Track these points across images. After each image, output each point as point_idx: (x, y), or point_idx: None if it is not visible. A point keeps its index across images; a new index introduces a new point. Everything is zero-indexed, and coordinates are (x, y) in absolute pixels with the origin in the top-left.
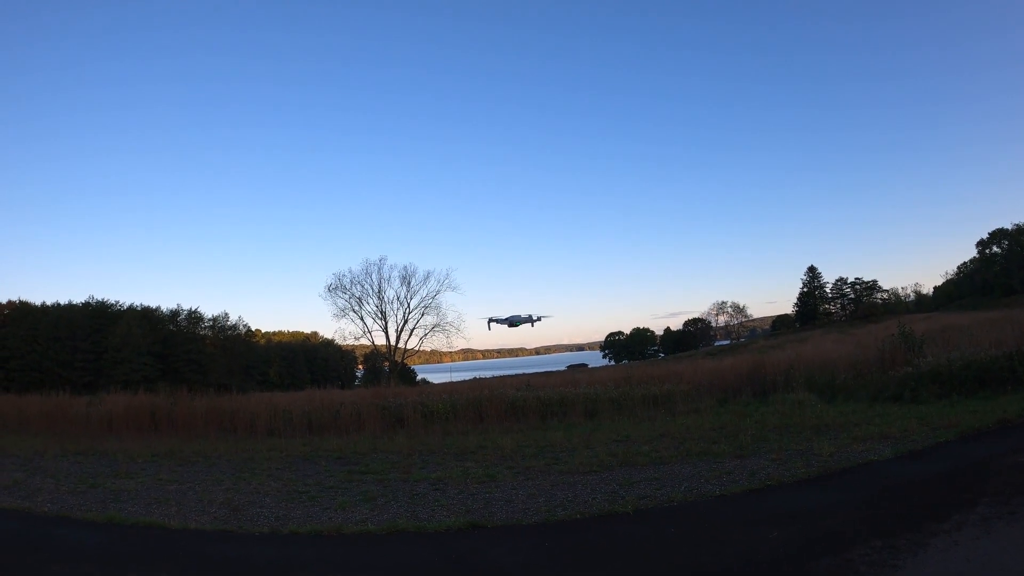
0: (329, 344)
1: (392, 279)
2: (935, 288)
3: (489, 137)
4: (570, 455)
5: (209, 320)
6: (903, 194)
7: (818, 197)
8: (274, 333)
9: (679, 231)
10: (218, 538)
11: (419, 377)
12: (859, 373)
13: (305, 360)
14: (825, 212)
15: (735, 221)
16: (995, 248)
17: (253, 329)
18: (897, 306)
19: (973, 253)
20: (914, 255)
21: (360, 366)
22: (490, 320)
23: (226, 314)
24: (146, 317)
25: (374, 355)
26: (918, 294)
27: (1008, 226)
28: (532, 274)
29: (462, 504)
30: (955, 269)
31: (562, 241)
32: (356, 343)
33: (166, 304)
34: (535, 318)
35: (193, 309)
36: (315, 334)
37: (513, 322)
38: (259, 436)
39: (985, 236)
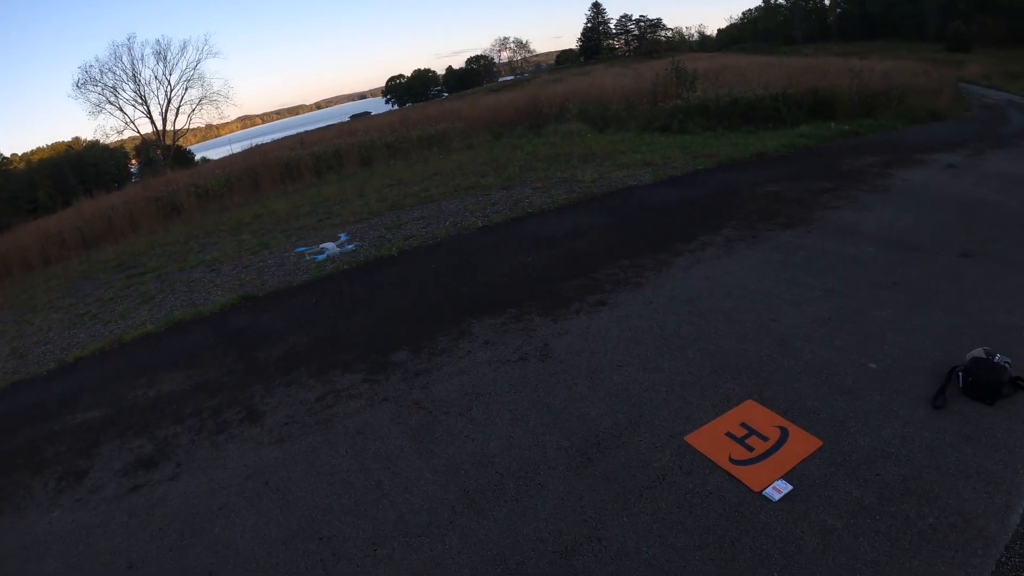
0: (95, 146)
1: (146, 58)
2: (719, 31)
3: None
4: (342, 207)
5: None
6: None
7: None
8: (33, 152)
9: None
10: (10, 392)
11: (198, 157)
12: (631, 105)
13: (73, 172)
14: None
15: None
16: (780, 0)
17: (8, 156)
18: (681, 44)
19: (759, 2)
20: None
21: (133, 161)
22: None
23: None
24: None
25: (145, 145)
26: (702, 35)
27: None
28: (305, 20)
29: (236, 279)
30: (740, 15)
31: None
32: (122, 138)
33: None
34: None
35: None
36: (77, 140)
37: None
38: (36, 270)
39: None
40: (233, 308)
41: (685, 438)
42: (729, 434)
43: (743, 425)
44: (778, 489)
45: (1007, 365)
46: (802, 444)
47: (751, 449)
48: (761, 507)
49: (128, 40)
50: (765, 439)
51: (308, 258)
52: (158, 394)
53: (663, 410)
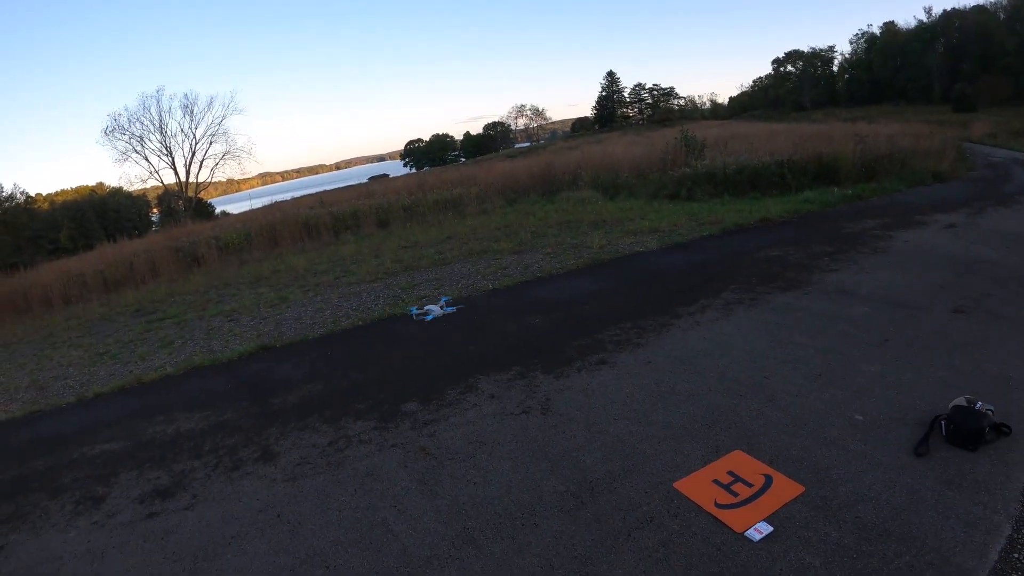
0: (118, 192)
1: (173, 110)
2: (730, 99)
3: None
4: (359, 266)
5: None
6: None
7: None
8: (57, 194)
9: (478, 33)
10: (29, 421)
11: (218, 210)
12: (642, 173)
13: (96, 216)
14: (625, 19)
15: (530, 24)
16: (789, 67)
17: (33, 195)
18: (693, 113)
19: (769, 70)
20: (712, 68)
21: (155, 210)
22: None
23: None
24: None
25: (167, 195)
26: (714, 103)
27: (804, 48)
28: (327, 83)
29: (254, 330)
30: (751, 83)
31: (356, 45)
32: (145, 186)
33: None
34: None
35: None
36: (101, 185)
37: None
38: (56, 308)
39: (781, 55)
40: (251, 356)
41: (674, 484)
42: (716, 481)
43: (730, 473)
44: (759, 530)
45: (989, 412)
46: (785, 490)
47: (736, 495)
48: (742, 547)
49: (157, 92)
50: (750, 485)
51: (417, 318)
52: (176, 431)
53: (655, 459)
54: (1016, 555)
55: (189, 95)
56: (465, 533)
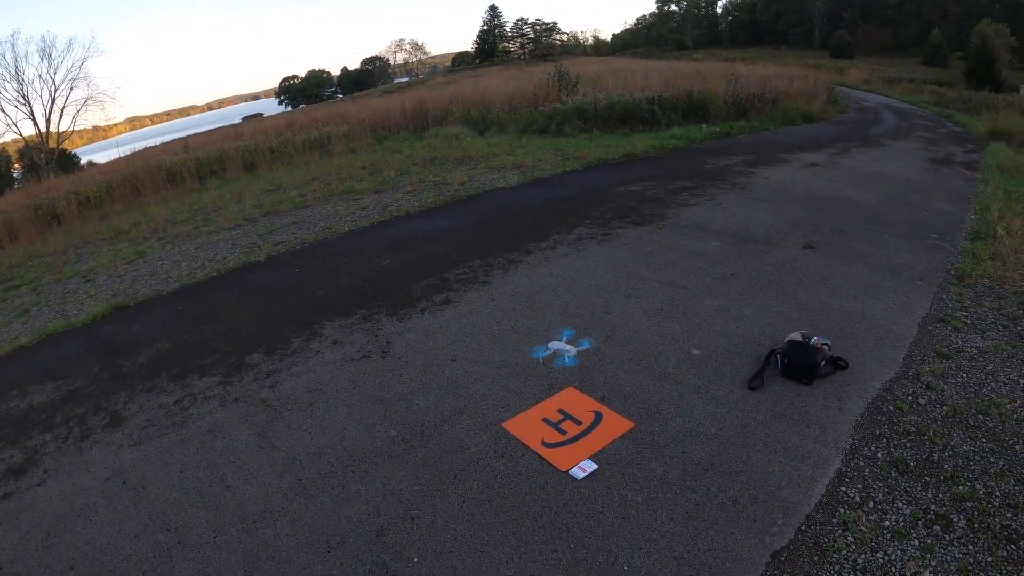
0: None
1: (30, 55)
2: (613, 35)
3: None
4: (219, 213)
5: None
6: None
7: None
8: None
9: None
10: None
11: (85, 160)
12: (514, 108)
13: None
14: None
15: None
16: (673, 7)
17: None
18: (576, 48)
19: (653, 8)
20: (596, 4)
21: (17, 165)
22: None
23: None
24: None
25: (29, 149)
26: (597, 39)
27: None
28: (197, 19)
29: (109, 289)
30: (634, 20)
31: None
32: (4, 140)
33: None
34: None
35: None
36: None
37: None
38: None
39: None
40: (105, 318)
41: (503, 424)
42: (545, 419)
43: (560, 411)
44: (583, 468)
45: (825, 347)
46: (614, 427)
47: (564, 433)
48: (565, 486)
49: (12, 36)
50: (579, 423)
51: (544, 362)
52: (29, 405)
53: (487, 399)
54: (844, 489)
55: (47, 37)
56: (298, 484)
